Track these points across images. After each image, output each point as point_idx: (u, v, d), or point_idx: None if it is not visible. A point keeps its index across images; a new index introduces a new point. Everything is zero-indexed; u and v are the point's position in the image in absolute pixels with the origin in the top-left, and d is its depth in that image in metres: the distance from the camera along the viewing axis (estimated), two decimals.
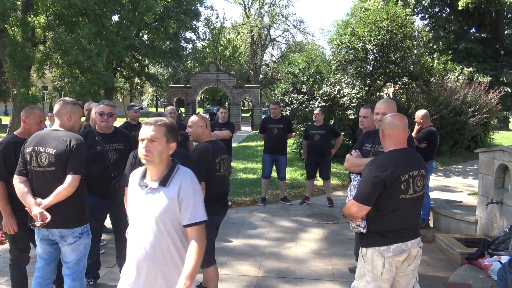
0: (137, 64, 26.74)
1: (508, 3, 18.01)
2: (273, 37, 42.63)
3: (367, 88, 11.74)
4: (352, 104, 10.60)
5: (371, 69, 11.97)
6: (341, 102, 10.75)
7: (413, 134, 5.41)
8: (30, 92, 16.58)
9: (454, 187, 7.97)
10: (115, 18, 22.52)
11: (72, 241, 2.78)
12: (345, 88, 11.26)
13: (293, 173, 9.11)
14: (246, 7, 40.79)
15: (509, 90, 18.03)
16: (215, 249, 3.44)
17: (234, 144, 15.76)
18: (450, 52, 18.53)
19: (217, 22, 38.58)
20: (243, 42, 39.31)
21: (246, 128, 27.03)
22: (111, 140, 3.63)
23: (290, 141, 9.19)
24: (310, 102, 10.63)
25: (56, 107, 2.92)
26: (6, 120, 27.09)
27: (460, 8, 17.85)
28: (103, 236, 4.66)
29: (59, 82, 19.22)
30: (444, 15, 20.89)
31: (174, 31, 27.44)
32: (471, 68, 18.23)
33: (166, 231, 1.98)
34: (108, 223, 4.05)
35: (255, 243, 5.04)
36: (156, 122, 1.99)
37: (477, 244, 4.23)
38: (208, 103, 47.80)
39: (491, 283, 3.39)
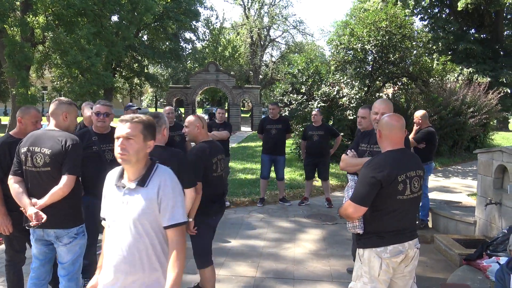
0: (136, 65, 26.69)
1: (507, 4, 17.99)
2: (272, 37, 42.65)
3: (366, 89, 11.73)
4: (351, 105, 10.59)
5: (370, 69, 11.94)
6: (340, 102, 10.75)
7: (412, 134, 5.40)
8: (29, 92, 16.54)
9: (453, 187, 7.96)
10: (115, 18, 22.51)
11: (68, 242, 2.77)
12: (344, 88, 11.26)
13: (291, 174, 9.10)
14: (246, 7, 40.81)
15: (509, 91, 18.04)
16: (213, 249, 3.43)
17: (233, 145, 15.83)
18: (449, 52, 18.52)
19: (216, 23, 38.57)
20: (242, 43, 39.27)
21: (246, 129, 27.03)
22: (108, 140, 3.60)
23: (288, 142, 9.19)
24: (309, 103, 10.63)
25: (51, 107, 2.90)
26: (6, 120, 27.02)
27: (459, 9, 17.83)
28: (100, 237, 4.64)
29: (58, 82, 19.18)
30: (443, 15, 20.87)
31: (173, 31, 27.41)
32: (471, 68, 18.21)
33: (145, 233, 1.90)
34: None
35: (253, 243, 5.03)
36: (132, 119, 1.91)
37: (476, 245, 4.22)
38: (208, 104, 47.78)
39: (489, 284, 3.38)
